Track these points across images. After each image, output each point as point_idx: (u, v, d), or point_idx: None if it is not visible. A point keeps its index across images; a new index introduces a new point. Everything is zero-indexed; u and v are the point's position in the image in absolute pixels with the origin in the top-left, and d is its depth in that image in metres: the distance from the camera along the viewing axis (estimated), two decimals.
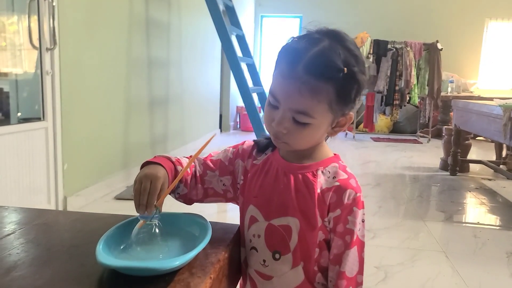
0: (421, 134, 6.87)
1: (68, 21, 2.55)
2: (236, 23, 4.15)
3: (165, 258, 0.64)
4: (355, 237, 0.74)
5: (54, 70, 2.46)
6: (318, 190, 0.73)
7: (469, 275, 2.00)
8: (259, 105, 4.43)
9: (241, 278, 0.84)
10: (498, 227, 2.81)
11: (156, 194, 0.68)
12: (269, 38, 8.37)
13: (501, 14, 7.61)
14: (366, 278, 1.91)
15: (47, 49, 2.41)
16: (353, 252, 0.74)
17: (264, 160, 0.81)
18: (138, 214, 0.69)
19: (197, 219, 0.75)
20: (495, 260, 2.20)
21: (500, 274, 2.04)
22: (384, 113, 6.56)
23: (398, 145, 6.16)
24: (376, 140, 6.61)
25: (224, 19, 3.69)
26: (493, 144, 4.83)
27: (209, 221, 0.74)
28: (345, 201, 0.72)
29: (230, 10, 4.17)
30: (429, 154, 5.43)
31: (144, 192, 0.67)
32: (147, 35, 3.68)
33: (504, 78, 7.61)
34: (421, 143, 6.41)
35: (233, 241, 0.76)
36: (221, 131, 6.55)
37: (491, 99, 3.93)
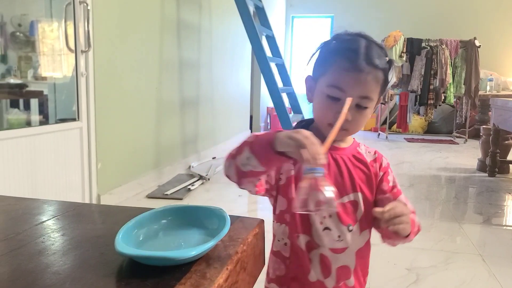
0: (457, 135, 6.66)
1: (102, 24, 2.63)
2: (266, 23, 4.16)
3: (182, 249, 0.65)
4: (399, 187, 0.91)
5: (88, 71, 2.54)
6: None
7: (506, 278, 1.92)
8: (289, 106, 4.41)
9: (299, 266, 0.87)
10: None
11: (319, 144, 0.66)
12: (300, 39, 8.33)
13: None
14: (397, 279, 1.88)
15: (82, 52, 2.49)
16: (403, 196, 0.90)
17: None
18: (304, 169, 0.66)
19: (217, 211, 0.75)
20: None
21: None
22: (418, 113, 6.40)
23: (433, 146, 5.99)
24: (410, 140, 6.45)
25: (254, 20, 3.71)
26: None
27: (230, 215, 0.74)
28: (383, 165, 0.91)
29: (260, 11, 4.19)
30: (466, 155, 5.24)
31: (313, 143, 0.65)
32: (178, 37, 3.75)
33: None
34: (458, 144, 6.21)
35: (254, 234, 0.76)
36: (251, 132, 6.57)
37: None
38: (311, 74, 0.89)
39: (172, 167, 3.65)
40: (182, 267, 0.59)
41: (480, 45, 6.01)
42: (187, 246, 0.67)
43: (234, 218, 0.80)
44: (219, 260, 0.62)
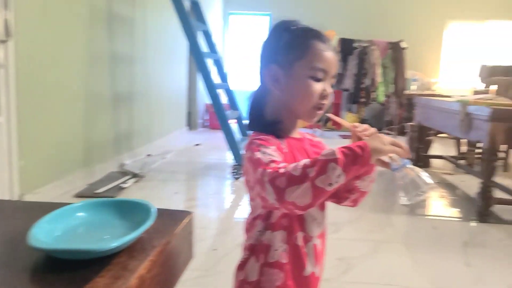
0: (387, 131, 7.02)
1: (25, 12, 2.46)
2: (201, 19, 4.12)
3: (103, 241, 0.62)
4: None
5: (8, 63, 2.36)
6: None
7: (427, 264, 2.05)
8: (227, 103, 4.40)
9: (298, 266, 0.85)
10: (456, 219, 2.90)
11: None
12: (237, 36, 8.35)
13: (460, 16, 7.87)
14: (328, 270, 1.93)
15: (1, 41, 2.31)
16: None
17: (286, 145, 0.85)
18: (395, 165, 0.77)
19: (142, 204, 0.73)
20: (452, 250, 2.27)
21: (456, 263, 2.10)
22: (350, 110, 6.67)
23: None
24: (344, 137, 6.70)
25: (190, 15, 3.66)
26: (454, 140, 4.98)
27: (159, 208, 0.72)
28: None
29: (196, 6, 4.14)
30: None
31: (398, 142, 0.76)
32: (109, 29, 3.60)
33: (465, 78, 7.86)
34: None
35: (183, 227, 0.74)
36: (189, 128, 6.49)
37: (450, 96, 4.06)
38: (273, 64, 0.83)
39: (104, 165, 3.51)
40: (103, 260, 0.57)
41: (406, 47, 6.38)
42: (109, 240, 0.64)
43: (162, 211, 0.78)
44: (143, 252, 0.61)
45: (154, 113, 4.80)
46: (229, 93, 4.24)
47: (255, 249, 0.85)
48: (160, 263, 0.61)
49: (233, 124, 3.76)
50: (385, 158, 0.77)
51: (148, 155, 4.35)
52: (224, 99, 4.44)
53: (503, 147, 4.28)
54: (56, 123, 2.86)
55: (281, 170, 0.71)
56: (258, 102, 0.89)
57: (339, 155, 0.70)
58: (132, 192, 3.07)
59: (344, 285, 1.82)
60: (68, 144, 3.03)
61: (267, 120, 0.86)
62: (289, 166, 0.72)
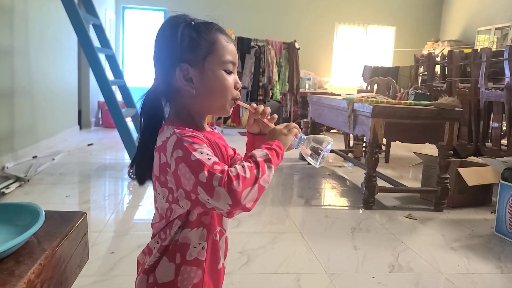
0: None
1: None
2: (92, 11, 3.89)
3: None
4: None
5: None
6: None
7: (320, 250, 2.20)
8: (122, 100, 4.21)
9: (214, 261, 0.87)
10: (345, 207, 3.15)
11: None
12: (134, 31, 8.04)
13: (347, 20, 8.53)
14: (230, 263, 1.97)
15: None
16: None
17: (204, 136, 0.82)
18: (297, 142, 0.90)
19: (29, 207, 0.67)
20: (342, 235, 2.46)
21: (346, 247, 2.28)
22: None
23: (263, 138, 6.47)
24: (243, 134, 6.84)
25: (79, 7, 3.43)
26: (343, 135, 5.39)
27: (48, 210, 0.68)
28: None
29: None
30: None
31: (290, 126, 0.88)
32: None
33: (353, 77, 8.54)
34: None
35: (75, 228, 0.71)
36: (80, 128, 6.09)
37: (340, 94, 4.38)
38: (183, 63, 0.82)
39: None
40: None
41: (299, 48, 6.72)
42: None
43: (52, 213, 0.73)
44: (31, 256, 0.57)
45: (39, 111, 4.41)
46: (124, 90, 4.07)
47: (168, 250, 0.82)
48: (51, 267, 0.57)
49: (129, 122, 3.63)
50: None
51: (34, 156, 4.00)
52: (119, 96, 4.26)
53: (385, 141, 4.75)
54: None
55: (233, 173, 0.70)
56: (158, 101, 0.86)
57: (270, 156, 0.76)
58: (16, 198, 2.79)
59: (245, 277, 1.87)
60: None
61: (183, 115, 0.85)
62: (235, 168, 0.71)
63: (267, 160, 0.75)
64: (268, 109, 0.91)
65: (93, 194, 3.17)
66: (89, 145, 4.92)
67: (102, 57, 3.68)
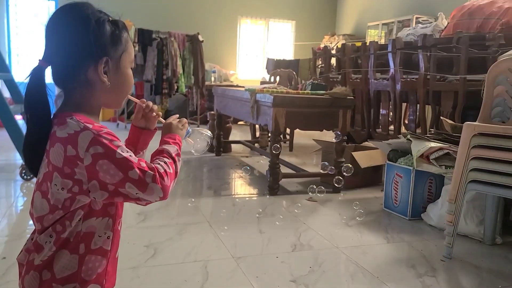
0: (190, 121, 7.29)
1: None
2: None
3: None
4: None
5: None
6: None
7: (227, 237, 2.26)
8: (9, 96, 3.86)
9: (116, 250, 0.90)
10: (252, 195, 3.25)
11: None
12: (22, 21, 7.38)
13: (249, 13, 8.70)
14: (136, 257, 1.95)
15: None
16: None
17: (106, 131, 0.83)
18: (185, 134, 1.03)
19: None
20: (249, 221, 2.55)
21: (252, 231, 2.37)
22: (154, 102, 6.67)
23: None
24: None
25: None
26: (249, 126, 5.53)
27: None
28: None
29: None
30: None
31: (181, 121, 1.02)
32: None
33: (258, 70, 8.75)
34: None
35: None
36: None
37: (243, 87, 4.48)
38: (104, 57, 0.83)
39: None
40: None
41: (203, 40, 6.71)
42: None
43: None
44: None
45: None
46: (11, 84, 3.73)
47: (70, 242, 0.81)
48: None
49: (19, 120, 3.35)
50: None
51: None
52: (6, 92, 3.91)
53: (289, 131, 4.96)
54: None
55: (160, 170, 0.80)
56: (44, 87, 0.82)
57: (179, 150, 0.91)
58: None
59: (151, 269, 1.86)
60: None
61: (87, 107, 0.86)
62: (160, 165, 0.82)
63: (178, 155, 0.89)
64: (155, 106, 1.03)
65: None
66: None
67: None
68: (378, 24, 7.43)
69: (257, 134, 5.21)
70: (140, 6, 7.53)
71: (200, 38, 6.66)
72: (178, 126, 0.98)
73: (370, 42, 4.15)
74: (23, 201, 2.88)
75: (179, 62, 6.47)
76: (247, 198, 3.12)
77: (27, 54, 7.40)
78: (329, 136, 3.77)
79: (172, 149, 0.89)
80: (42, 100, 0.82)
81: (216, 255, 2.04)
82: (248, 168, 3.54)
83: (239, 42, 8.74)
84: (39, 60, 0.83)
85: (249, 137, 5.38)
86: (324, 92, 3.21)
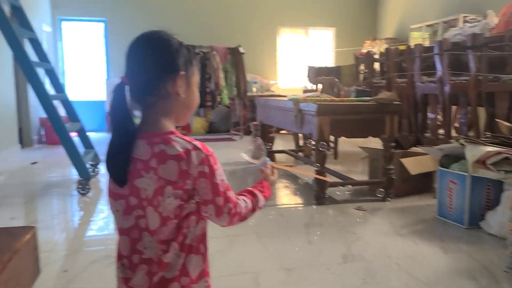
0: (234, 132, 7.38)
1: None
2: (26, 25, 3.74)
3: None
4: None
5: None
6: None
7: (276, 249, 2.25)
8: (65, 115, 4.07)
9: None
10: (299, 205, 3.23)
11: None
12: (73, 43, 7.79)
13: (289, 23, 8.73)
14: None
15: None
16: None
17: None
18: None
19: None
20: (296, 232, 2.53)
21: (300, 242, 2.35)
22: (198, 115, 6.81)
23: (215, 144, 6.46)
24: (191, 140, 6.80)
25: (12, 21, 3.30)
26: (292, 135, 5.51)
27: None
28: None
29: (18, 11, 3.74)
30: (242, 150, 5.84)
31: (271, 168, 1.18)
32: None
33: (298, 78, 8.74)
34: (235, 140, 6.88)
35: (24, 243, 0.70)
36: (22, 146, 5.81)
37: (286, 96, 4.49)
38: (182, 71, 0.92)
39: None
40: None
41: (244, 52, 6.80)
42: None
43: None
44: None
45: None
46: (67, 104, 3.94)
47: (193, 247, 0.91)
48: (1, 282, 0.57)
49: (74, 137, 3.52)
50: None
51: None
52: (62, 111, 4.13)
53: (332, 138, 4.90)
54: None
55: (238, 209, 0.94)
56: (126, 104, 0.89)
57: (263, 204, 1.05)
58: None
59: None
60: None
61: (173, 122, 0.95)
62: (240, 206, 0.95)
63: (259, 208, 1.03)
64: (274, 171, 1.18)
65: (40, 213, 3.05)
66: (32, 163, 4.71)
67: (40, 71, 3.55)
68: (422, 26, 7.23)
69: (300, 142, 5.18)
70: (183, 22, 7.74)
71: (241, 50, 6.75)
72: (270, 175, 1.14)
73: (415, 45, 4.05)
74: (80, 215, 3.01)
75: (221, 75, 6.58)
76: (293, 208, 3.10)
77: (78, 74, 7.79)
78: (374, 142, 3.69)
79: (261, 201, 1.03)
80: (125, 113, 0.90)
81: (265, 267, 2.04)
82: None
83: (279, 51, 8.78)
84: (121, 76, 0.90)
85: (292, 146, 5.36)
86: (369, 98, 3.15)
